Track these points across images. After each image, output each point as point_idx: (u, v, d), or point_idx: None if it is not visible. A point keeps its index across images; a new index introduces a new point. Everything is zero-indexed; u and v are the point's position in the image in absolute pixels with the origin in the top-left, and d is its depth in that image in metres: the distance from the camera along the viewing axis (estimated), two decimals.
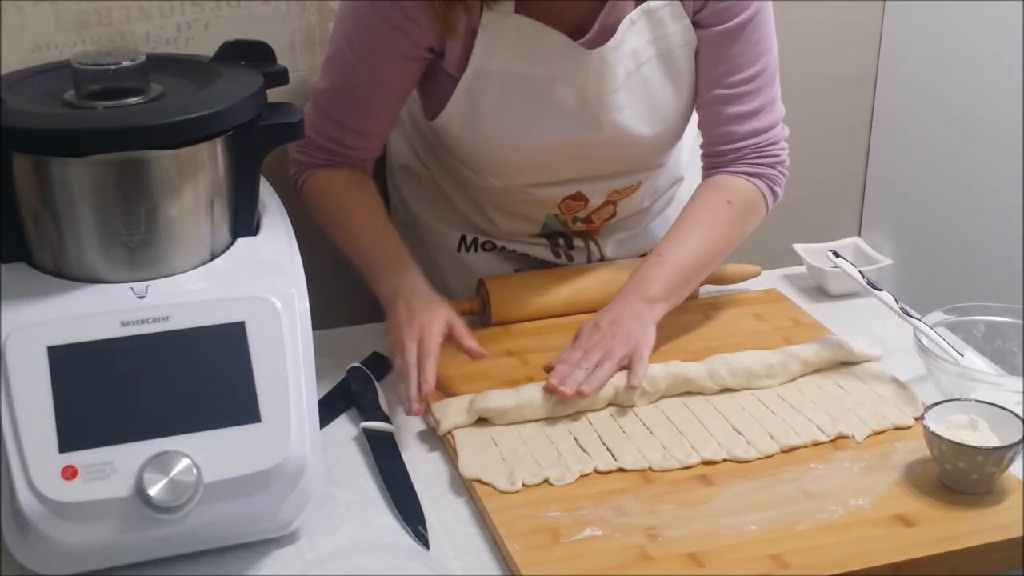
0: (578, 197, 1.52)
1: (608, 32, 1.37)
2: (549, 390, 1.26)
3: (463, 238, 1.61)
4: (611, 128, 1.42)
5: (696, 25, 1.40)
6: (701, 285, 1.56)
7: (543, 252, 1.60)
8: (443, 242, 1.61)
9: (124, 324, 1.04)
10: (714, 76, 1.43)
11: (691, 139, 1.64)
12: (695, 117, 1.51)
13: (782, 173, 1.47)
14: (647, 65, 1.41)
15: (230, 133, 1.10)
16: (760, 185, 1.45)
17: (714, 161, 1.48)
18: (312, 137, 1.44)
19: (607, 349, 1.30)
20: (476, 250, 1.61)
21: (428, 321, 1.30)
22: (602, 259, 1.61)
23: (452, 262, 1.60)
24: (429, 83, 1.44)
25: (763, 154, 1.45)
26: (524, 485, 1.17)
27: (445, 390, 1.33)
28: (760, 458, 1.22)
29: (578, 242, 1.60)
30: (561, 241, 1.60)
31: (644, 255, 1.62)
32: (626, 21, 1.37)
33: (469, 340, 1.32)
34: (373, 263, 1.40)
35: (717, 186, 1.45)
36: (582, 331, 1.34)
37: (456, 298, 1.51)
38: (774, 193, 1.47)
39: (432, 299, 1.35)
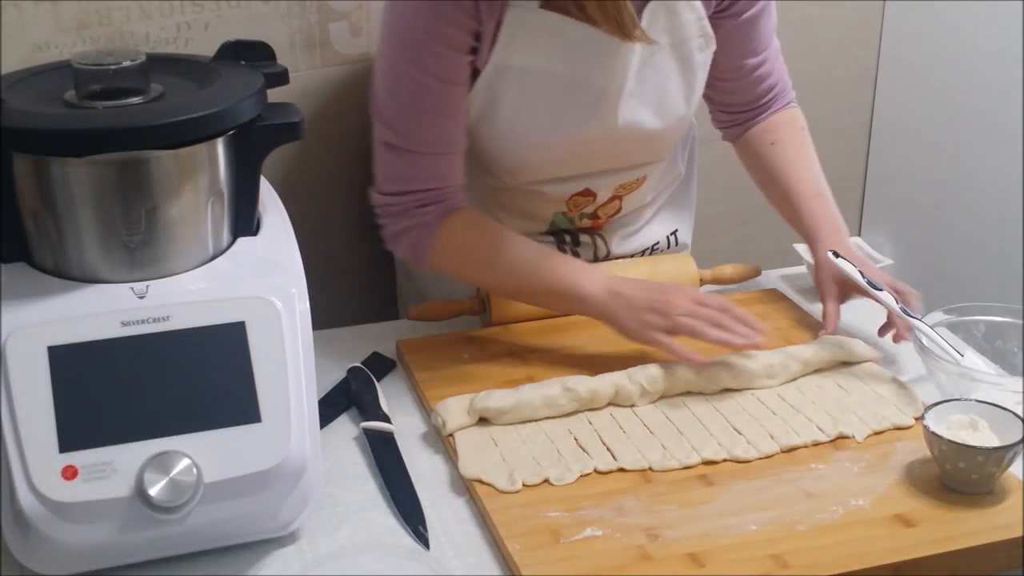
0: (586, 193, 1.53)
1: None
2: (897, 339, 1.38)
3: None
4: (623, 121, 1.43)
5: (719, 17, 1.43)
6: (702, 285, 1.57)
7: None
8: None
9: (124, 324, 1.04)
10: (748, 51, 1.51)
11: (690, 136, 1.65)
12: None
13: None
14: (660, 55, 1.41)
15: (230, 133, 1.10)
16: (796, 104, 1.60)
17: (761, 106, 1.57)
18: (416, 196, 1.39)
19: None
20: None
21: (678, 289, 1.36)
22: (608, 255, 1.61)
23: None
24: None
25: (788, 87, 1.59)
26: (524, 485, 1.17)
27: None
28: (760, 458, 1.22)
29: (584, 238, 1.60)
30: (567, 238, 1.60)
31: (647, 250, 1.64)
32: (651, 8, 1.37)
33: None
34: (565, 278, 1.38)
35: (791, 122, 1.57)
36: (856, 274, 1.39)
37: (462, 299, 1.51)
38: None
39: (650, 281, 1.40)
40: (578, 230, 1.60)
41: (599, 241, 1.61)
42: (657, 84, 1.43)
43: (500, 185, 1.51)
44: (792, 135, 1.56)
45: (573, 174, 1.50)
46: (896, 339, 1.40)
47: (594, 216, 1.58)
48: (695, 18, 1.41)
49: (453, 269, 1.43)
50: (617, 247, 1.62)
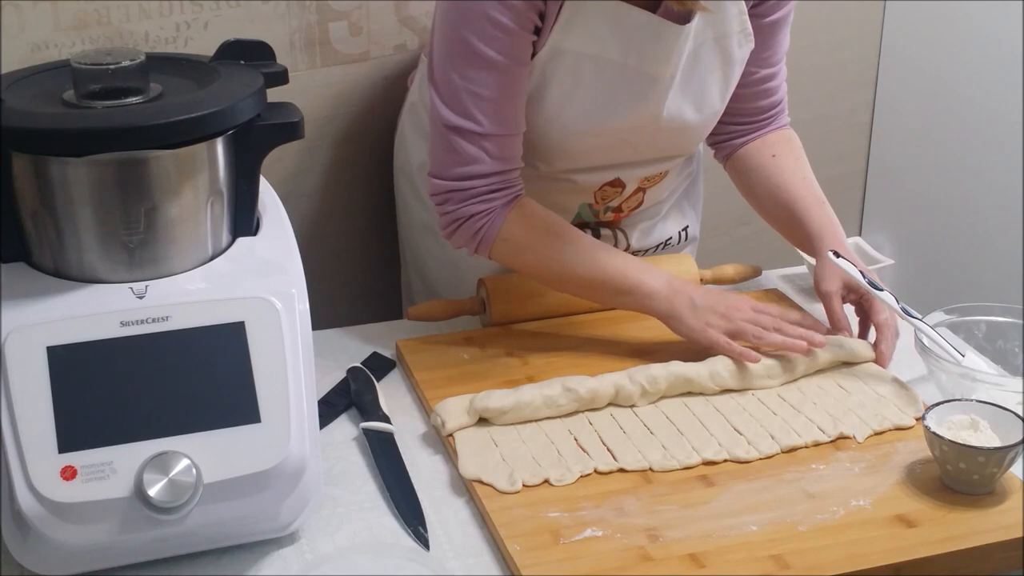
0: (616, 184, 1.53)
1: (678, 11, 1.37)
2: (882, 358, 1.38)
3: None
4: (668, 111, 1.44)
5: (754, 14, 1.44)
6: (703, 285, 1.57)
7: None
8: None
9: (123, 324, 1.04)
10: (761, 59, 1.51)
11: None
12: None
13: None
14: (704, 48, 1.42)
15: (230, 133, 1.10)
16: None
17: (761, 121, 1.58)
18: (486, 182, 1.39)
19: None
20: None
21: (737, 296, 1.38)
22: (628, 248, 1.61)
23: (473, 260, 1.60)
24: None
25: (784, 108, 1.61)
26: (524, 485, 1.17)
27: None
28: (761, 459, 1.22)
29: (605, 231, 1.60)
30: (588, 232, 1.60)
31: (661, 245, 1.65)
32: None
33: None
34: (628, 274, 1.39)
35: (789, 140, 1.59)
36: (857, 275, 1.39)
37: (462, 299, 1.51)
38: None
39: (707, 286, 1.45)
40: (599, 223, 1.60)
41: (619, 235, 1.61)
42: (700, 77, 1.44)
43: (532, 174, 1.50)
44: (791, 151, 1.58)
45: (607, 163, 1.51)
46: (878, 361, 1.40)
47: (617, 210, 1.58)
48: (737, 13, 1.42)
49: (514, 260, 1.44)
50: (636, 241, 1.62)
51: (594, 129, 1.43)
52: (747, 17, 1.44)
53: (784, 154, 1.57)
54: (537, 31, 1.35)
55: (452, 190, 1.40)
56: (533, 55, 1.37)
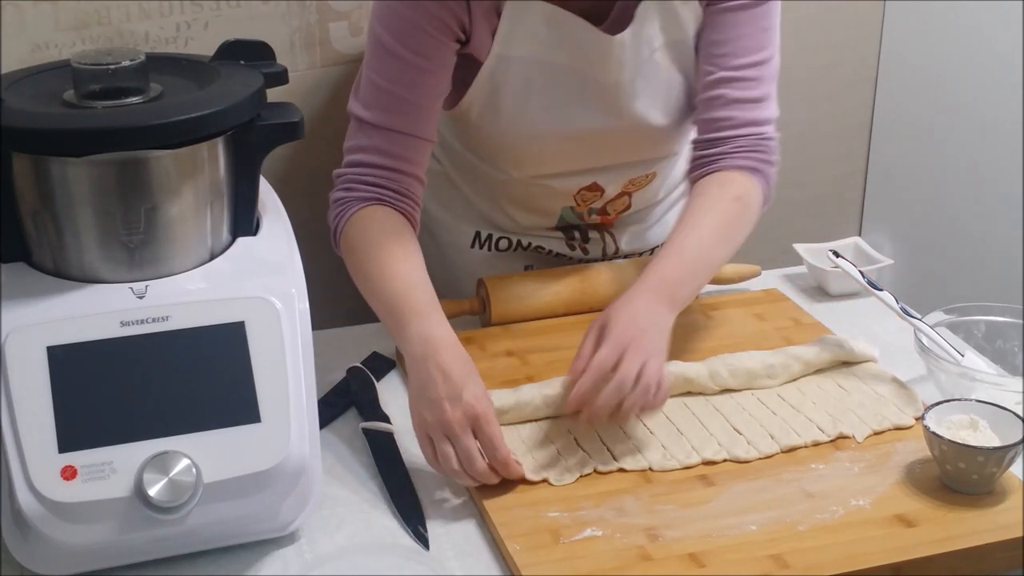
0: (594, 188, 1.53)
1: (626, 19, 1.37)
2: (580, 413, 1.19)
3: (477, 234, 1.60)
4: (628, 116, 1.43)
5: (707, 4, 1.40)
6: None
7: (558, 245, 1.60)
8: (457, 239, 1.60)
9: (123, 324, 1.04)
10: (719, 57, 1.39)
11: None
12: None
13: (774, 175, 1.41)
14: (659, 52, 1.41)
15: (230, 133, 1.10)
16: (760, 183, 1.38)
17: (710, 154, 1.39)
18: (357, 171, 1.36)
19: (642, 361, 1.18)
20: (490, 249, 1.61)
21: (476, 400, 1.15)
22: (616, 251, 1.61)
23: (465, 259, 1.60)
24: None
25: (760, 148, 1.38)
26: (524, 484, 1.17)
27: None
28: (760, 458, 1.22)
29: (593, 234, 1.60)
30: (576, 234, 1.60)
31: (656, 248, 1.63)
32: (642, 7, 1.37)
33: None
34: (403, 311, 1.25)
35: (725, 183, 1.36)
36: (612, 327, 1.20)
37: (466, 296, 1.51)
38: (767, 196, 1.40)
39: (468, 365, 1.19)
40: (587, 226, 1.60)
41: (608, 238, 1.61)
42: (660, 81, 1.43)
43: (507, 179, 1.51)
44: (719, 198, 1.36)
45: (580, 168, 1.50)
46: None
47: (603, 212, 1.58)
48: (693, 14, 1.41)
49: (347, 261, 1.35)
50: (627, 244, 1.62)
51: (552, 133, 1.43)
52: (703, 13, 1.40)
53: (704, 197, 1.36)
54: (460, 41, 1.36)
55: (338, 175, 1.39)
56: (480, 65, 1.37)
